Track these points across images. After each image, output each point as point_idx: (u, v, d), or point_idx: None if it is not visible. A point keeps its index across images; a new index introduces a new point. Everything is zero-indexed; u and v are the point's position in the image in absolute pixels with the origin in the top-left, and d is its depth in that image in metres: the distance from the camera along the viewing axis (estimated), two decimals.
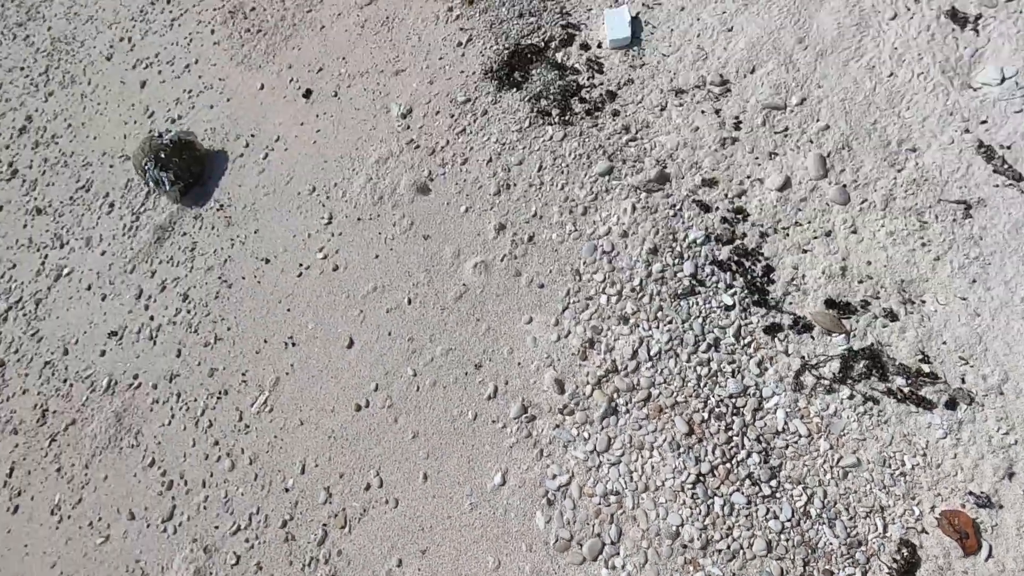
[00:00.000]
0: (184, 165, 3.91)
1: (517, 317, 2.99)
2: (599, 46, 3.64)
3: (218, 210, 3.88)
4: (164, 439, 3.23)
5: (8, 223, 4.55)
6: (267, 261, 3.57)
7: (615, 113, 3.37)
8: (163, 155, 3.84)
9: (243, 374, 3.29)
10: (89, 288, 3.91)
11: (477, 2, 4.04)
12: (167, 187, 3.86)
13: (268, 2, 4.79)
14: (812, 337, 2.56)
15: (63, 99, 5.05)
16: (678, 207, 2.99)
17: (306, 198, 3.72)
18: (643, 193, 3.07)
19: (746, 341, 2.62)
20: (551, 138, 3.38)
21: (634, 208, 3.04)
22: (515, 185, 3.32)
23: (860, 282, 2.60)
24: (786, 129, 3.02)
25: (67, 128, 4.85)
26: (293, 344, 3.28)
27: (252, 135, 4.15)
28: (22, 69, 5.46)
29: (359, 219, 3.51)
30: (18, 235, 4.45)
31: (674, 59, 3.43)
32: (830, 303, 2.58)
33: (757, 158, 3.00)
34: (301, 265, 3.48)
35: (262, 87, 4.37)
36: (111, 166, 4.46)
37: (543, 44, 3.74)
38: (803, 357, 2.53)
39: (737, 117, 3.13)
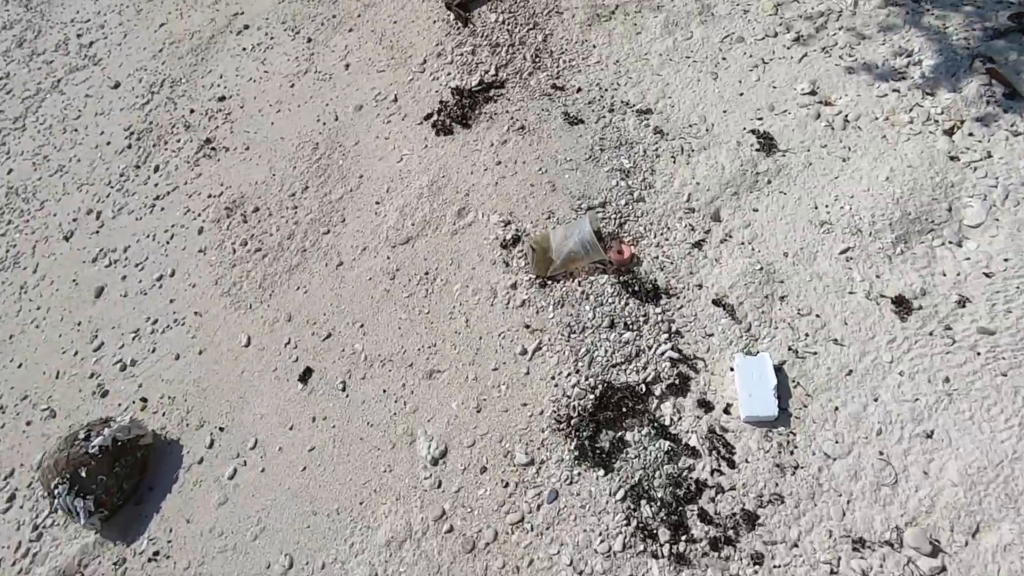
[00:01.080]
0: (115, 482, 2.74)
1: None
2: (726, 411, 2.53)
3: (149, 560, 2.68)
4: None
5: None
6: None
7: (756, 559, 2.22)
8: (84, 473, 2.68)
9: None
10: None
11: (551, 288, 2.97)
12: (82, 520, 2.68)
13: (277, 204, 3.74)
14: None
15: None
16: None
17: None
18: None
19: None
20: None
21: None
22: None
23: None
24: None
25: None
26: None
27: (221, 428, 2.99)
28: None
29: None
30: None
31: (843, 468, 2.31)
32: None
33: None
34: None
35: (248, 342, 3.25)
36: (28, 423, 3.30)
37: (644, 387, 2.63)
38: None
39: None
